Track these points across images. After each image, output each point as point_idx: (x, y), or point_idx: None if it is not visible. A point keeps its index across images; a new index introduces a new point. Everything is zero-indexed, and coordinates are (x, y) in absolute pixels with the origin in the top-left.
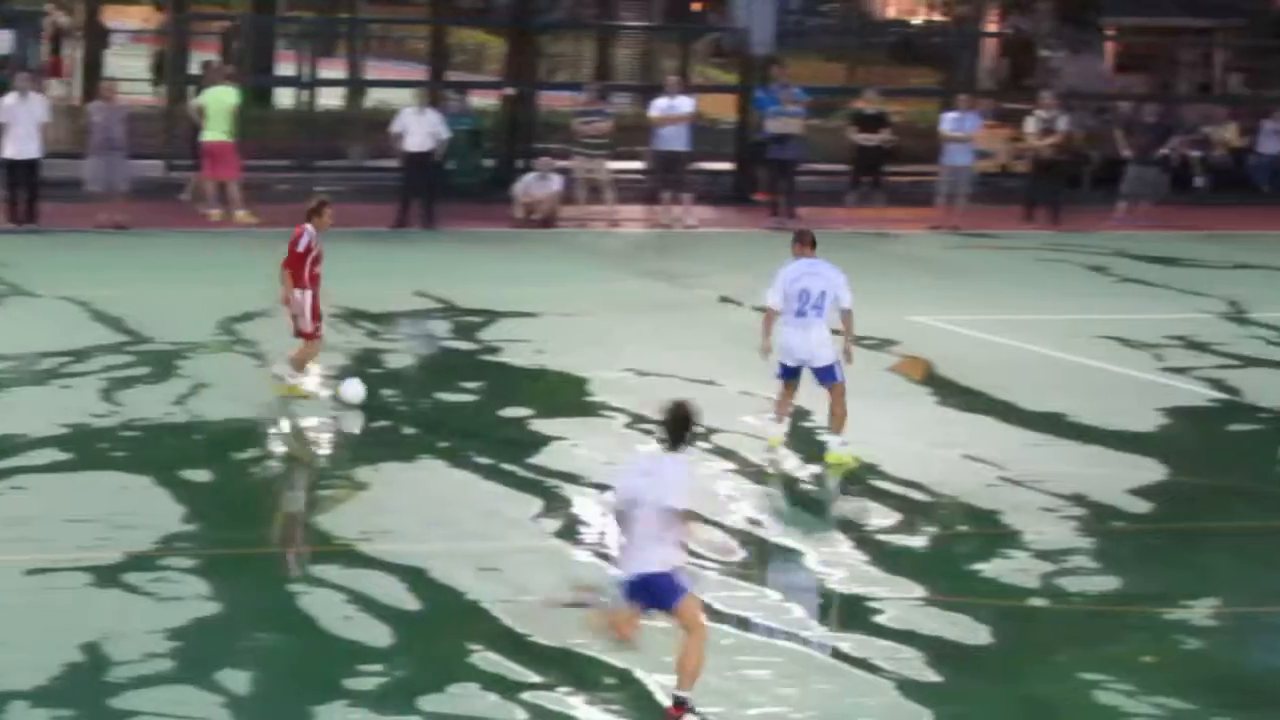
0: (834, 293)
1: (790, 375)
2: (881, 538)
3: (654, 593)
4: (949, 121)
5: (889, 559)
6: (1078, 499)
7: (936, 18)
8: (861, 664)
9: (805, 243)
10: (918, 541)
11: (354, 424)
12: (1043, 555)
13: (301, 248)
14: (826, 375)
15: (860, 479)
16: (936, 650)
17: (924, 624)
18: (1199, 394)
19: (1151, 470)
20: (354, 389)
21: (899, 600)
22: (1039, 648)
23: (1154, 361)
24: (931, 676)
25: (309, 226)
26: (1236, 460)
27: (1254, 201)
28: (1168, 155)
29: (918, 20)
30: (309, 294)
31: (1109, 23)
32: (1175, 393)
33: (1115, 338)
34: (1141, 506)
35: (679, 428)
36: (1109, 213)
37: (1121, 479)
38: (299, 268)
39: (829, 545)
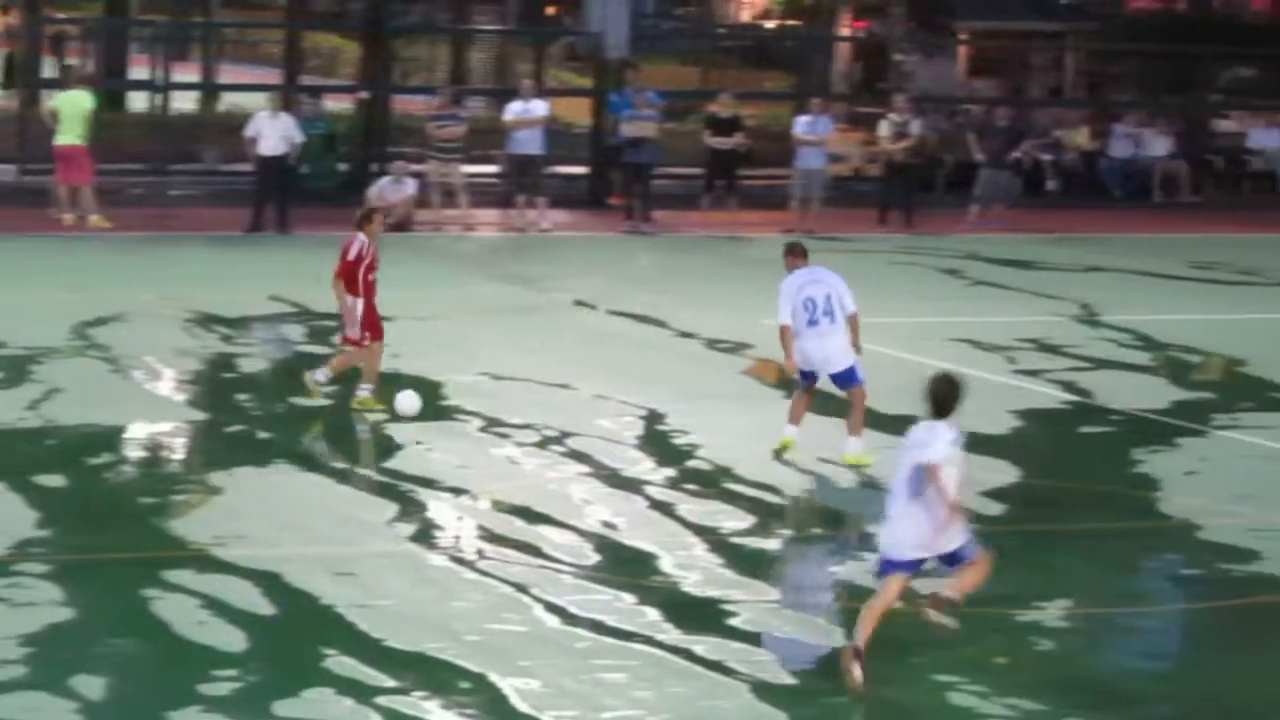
0: (838, 296)
1: (809, 380)
2: (736, 540)
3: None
4: (802, 125)
5: (744, 562)
6: None
7: (790, 21)
8: (716, 666)
9: (798, 254)
10: (772, 544)
11: (207, 429)
12: None
13: (353, 256)
14: (846, 379)
15: (715, 482)
16: (791, 653)
17: (778, 626)
18: (1051, 396)
19: (1004, 472)
20: (410, 401)
21: (753, 603)
22: (894, 649)
23: (1006, 364)
24: (786, 679)
25: (360, 235)
26: (1088, 462)
27: (1105, 205)
28: (1020, 159)
29: (771, 24)
30: (360, 301)
31: (961, 27)
32: (1028, 395)
33: (968, 340)
34: (995, 509)
35: (947, 399)
36: (962, 216)
37: (974, 481)
38: (352, 275)
39: (683, 548)
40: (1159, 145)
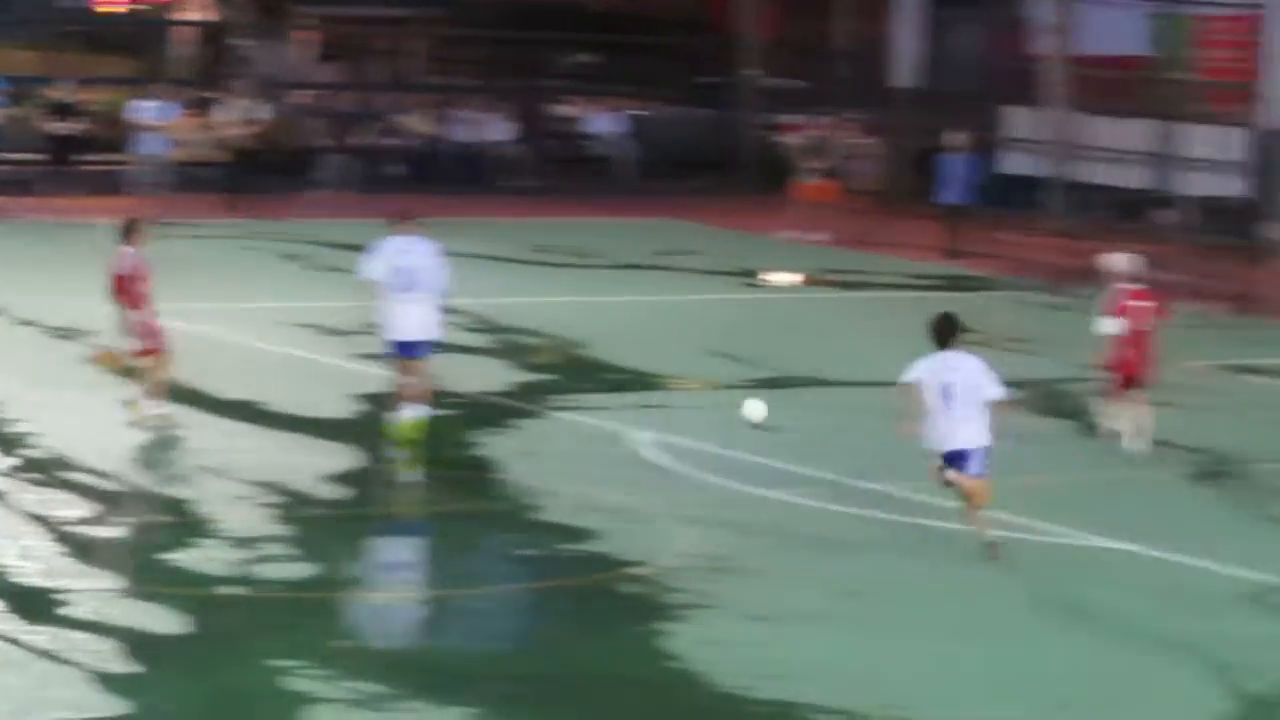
0: (427, 270)
1: (406, 352)
2: (73, 529)
3: (967, 459)
4: (144, 110)
5: (81, 550)
6: (272, 486)
7: (132, 6)
8: (52, 657)
9: (405, 218)
10: (110, 532)
11: None
12: (236, 543)
13: (119, 270)
14: (423, 349)
15: (55, 471)
16: (129, 641)
17: (116, 615)
18: (391, 379)
19: (344, 456)
20: (758, 409)
21: (91, 592)
22: (230, 636)
23: (346, 348)
24: (123, 668)
25: (125, 248)
26: (429, 445)
27: (446, 189)
28: (363, 144)
29: (113, 9)
30: (136, 313)
31: (305, 12)
32: (368, 378)
33: (312, 325)
34: (336, 492)
35: (950, 331)
36: (305, 201)
37: (316, 465)
38: (123, 289)
39: (19, 538)
40: (499, 130)
